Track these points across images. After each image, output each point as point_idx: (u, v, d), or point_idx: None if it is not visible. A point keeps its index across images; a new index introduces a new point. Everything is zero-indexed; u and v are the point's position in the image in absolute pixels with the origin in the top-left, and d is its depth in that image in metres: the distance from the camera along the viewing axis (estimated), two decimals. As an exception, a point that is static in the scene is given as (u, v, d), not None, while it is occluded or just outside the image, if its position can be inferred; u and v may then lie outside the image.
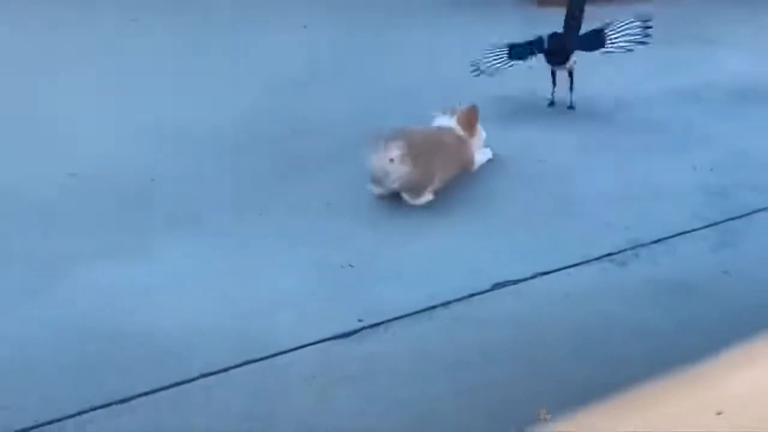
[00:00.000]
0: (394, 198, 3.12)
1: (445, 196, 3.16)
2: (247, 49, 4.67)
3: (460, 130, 3.30)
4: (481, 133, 3.39)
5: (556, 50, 3.77)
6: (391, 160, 3.00)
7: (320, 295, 2.55)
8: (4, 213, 2.96)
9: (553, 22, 5.07)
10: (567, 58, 3.79)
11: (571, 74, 3.87)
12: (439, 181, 3.14)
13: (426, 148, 3.10)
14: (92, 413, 2.03)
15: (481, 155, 3.39)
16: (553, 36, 3.80)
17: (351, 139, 3.48)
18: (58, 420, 2.00)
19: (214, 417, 2.07)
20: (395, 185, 3.05)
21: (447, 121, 3.31)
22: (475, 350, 2.35)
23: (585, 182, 3.31)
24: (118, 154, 3.37)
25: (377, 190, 3.11)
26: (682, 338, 2.44)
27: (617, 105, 4.07)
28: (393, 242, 2.85)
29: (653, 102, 4.12)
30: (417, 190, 3.07)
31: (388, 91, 4.06)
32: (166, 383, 2.14)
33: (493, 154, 3.43)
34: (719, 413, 2.15)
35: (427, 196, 3.11)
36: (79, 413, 2.02)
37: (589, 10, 4.03)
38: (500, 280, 2.64)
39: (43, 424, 1.99)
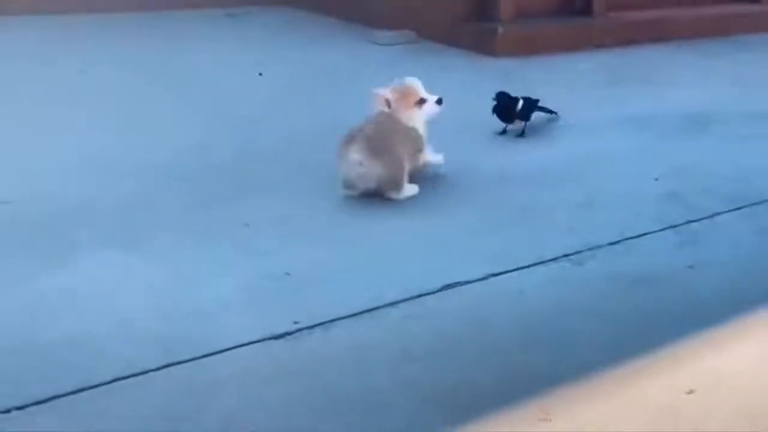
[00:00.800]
0: (340, 208, 2.99)
1: (397, 203, 3.04)
2: (202, 94, 4.61)
3: (395, 103, 3.17)
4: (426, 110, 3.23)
5: (504, 113, 3.89)
6: (361, 163, 2.97)
7: (254, 301, 2.35)
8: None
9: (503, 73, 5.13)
10: (513, 120, 3.91)
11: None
12: (409, 166, 3.11)
13: (387, 141, 3.05)
14: (9, 414, 1.83)
15: (433, 156, 3.31)
16: (502, 99, 3.87)
17: (294, 166, 3.42)
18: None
19: (132, 417, 1.85)
20: (373, 186, 3.02)
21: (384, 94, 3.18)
22: (421, 345, 2.15)
23: (544, 193, 3.19)
24: (59, 184, 3.18)
25: (352, 192, 3.06)
26: (648, 325, 2.27)
27: (574, 129, 4.02)
28: (337, 252, 2.67)
29: (607, 127, 4.07)
30: (395, 183, 3.03)
31: (335, 129, 3.97)
32: (84, 385, 1.93)
33: (444, 169, 3.34)
34: (690, 392, 1.97)
35: (412, 189, 3.10)
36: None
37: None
38: (451, 281, 2.47)
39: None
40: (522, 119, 3.91)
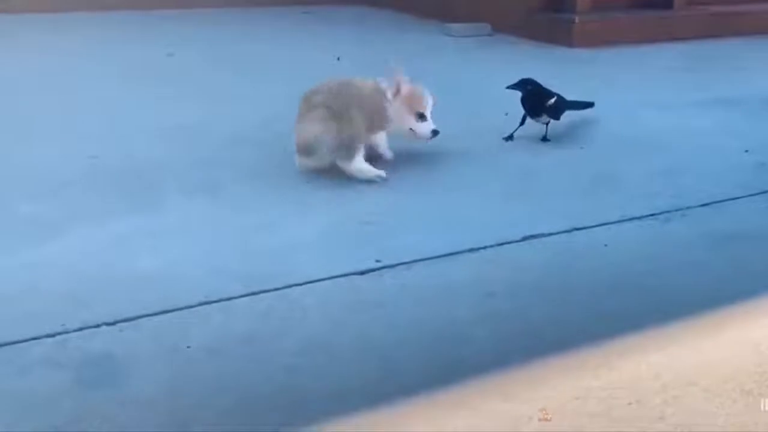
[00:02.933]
0: (418, 161, 2.98)
1: (480, 167, 3.01)
2: (275, 75, 4.67)
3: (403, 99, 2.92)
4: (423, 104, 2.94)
5: (535, 102, 3.35)
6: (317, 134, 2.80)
7: (337, 242, 2.34)
8: (44, 182, 2.82)
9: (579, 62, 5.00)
10: (541, 114, 3.35)
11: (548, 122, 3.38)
12: (367, 137, 2.89)
13: (344, 106, 2.82)
14: (101, 328, 1.88)
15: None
16: (533, 86, 3.37)
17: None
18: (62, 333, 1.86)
19: (216, 337, 1.86)
20: (326, 153, 2.81)
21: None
22: (504, 286, 2.11)
23: (626, 162, 3.11)
24: (144, 144, 3.25)
25: (305, 162, 2.88)
26: (747, 275, 2.19)
27: (655, 108, 3.91)
28: (418, 202, 2.66)
29: (691, 106, 3.95)
30: (349, 151, 2.80)
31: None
32: (167, 308, 1.95)
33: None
34: (791, 336, 1.88)
35: (370, 170, 2.82)
36: (88, 327, 1.88)
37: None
38: (533, 233, 2.42)
39: (45, 336, 1.85)
40: (550, 116, 3.33)
